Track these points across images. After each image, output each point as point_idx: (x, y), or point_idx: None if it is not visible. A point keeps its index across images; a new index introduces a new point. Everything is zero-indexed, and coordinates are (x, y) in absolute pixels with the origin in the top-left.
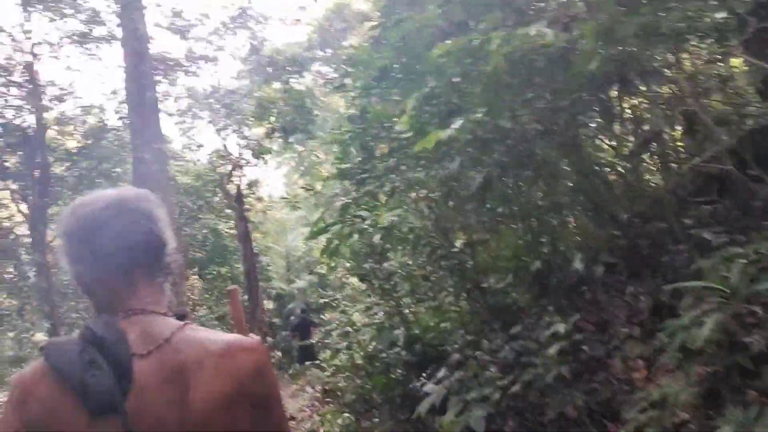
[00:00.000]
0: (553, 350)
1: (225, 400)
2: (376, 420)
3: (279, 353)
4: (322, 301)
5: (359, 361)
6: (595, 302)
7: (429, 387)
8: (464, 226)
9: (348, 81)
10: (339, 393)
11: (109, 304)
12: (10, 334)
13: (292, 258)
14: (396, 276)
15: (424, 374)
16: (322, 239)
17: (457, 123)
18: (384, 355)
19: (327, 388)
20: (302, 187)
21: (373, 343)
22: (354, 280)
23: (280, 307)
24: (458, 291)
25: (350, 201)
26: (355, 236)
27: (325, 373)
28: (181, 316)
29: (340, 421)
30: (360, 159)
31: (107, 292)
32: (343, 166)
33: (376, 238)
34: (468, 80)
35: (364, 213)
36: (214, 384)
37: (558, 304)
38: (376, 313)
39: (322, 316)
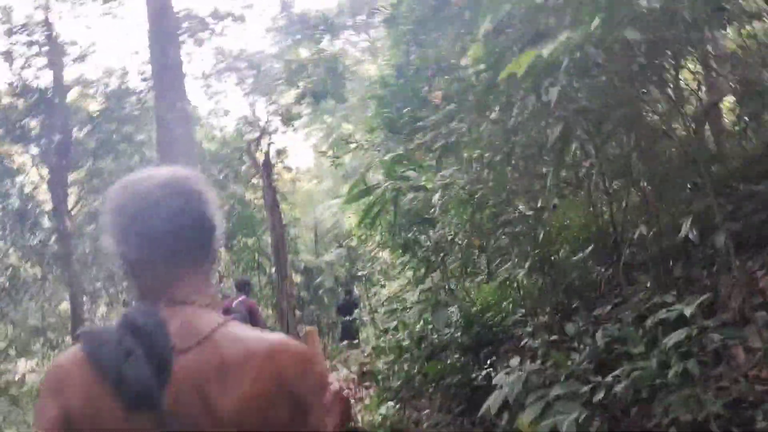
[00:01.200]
0: (676, 338)
1: (262, 401)
2: (426, 411)
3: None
4: (360, 274)
5: (406, 342)
6: (694, 279)
7: (500, 378)
8: (527, 188)
9: (400, 12)
10: (379, 376)
11: (151, 290)
12: (33, 304)
13: (320, 230)
14: (445, 246)
15: (486, 361)
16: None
17: (563, 35)
18: (435, 336)
19: (365, 370)
20: (344, 140)
21: (420, 323)
22: (386, 253)
23: (308, 281)
24: (525, 263)
25: (401, 153)
26: (409, 195)
27: (364, 353)
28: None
29: (383, 410)
30: (409, 109)
31: (151, 276)
32: (391, 115)
33: (435, 198)
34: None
35: (411, 173)
36: (253, 386)
37: (659, 281)
38: (429, 289)
39: (351, 290)
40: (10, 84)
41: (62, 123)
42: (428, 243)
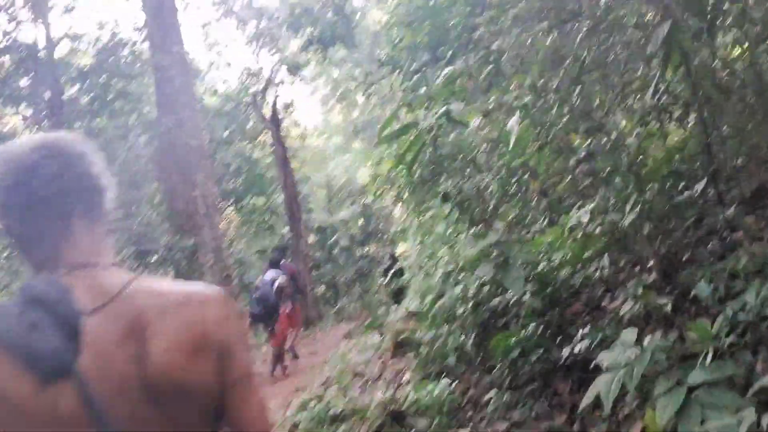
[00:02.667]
0: None
1: (188, 349)
2: (494, 391)
3: (323, 287)
4: (394, 231)
5: (459, 310)
6: None
7: (611, 357)
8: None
9: None
10: (421, 348)
11: (47, 260)
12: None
13: (333, 188)
14: (492, 192)
15: (551, 328)
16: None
17: None
18: (497, 300)
19: (401, 339)
20: (380, 62)
21: (474, 285)
22: (400, 209)
23: (323, 240)
24: (628, 206)
25: (462, 70)
26: (454, 132)
27: (401, 319)
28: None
29: (435, 389)
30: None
31: (43, 245)
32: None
33: (512, 121)
34: None
35: (454, 105)
36: (176, 334)
37: None
38: (491, 244)
39: (366, 248)
40: None
41: (52, 80)
42: (463, 190)
